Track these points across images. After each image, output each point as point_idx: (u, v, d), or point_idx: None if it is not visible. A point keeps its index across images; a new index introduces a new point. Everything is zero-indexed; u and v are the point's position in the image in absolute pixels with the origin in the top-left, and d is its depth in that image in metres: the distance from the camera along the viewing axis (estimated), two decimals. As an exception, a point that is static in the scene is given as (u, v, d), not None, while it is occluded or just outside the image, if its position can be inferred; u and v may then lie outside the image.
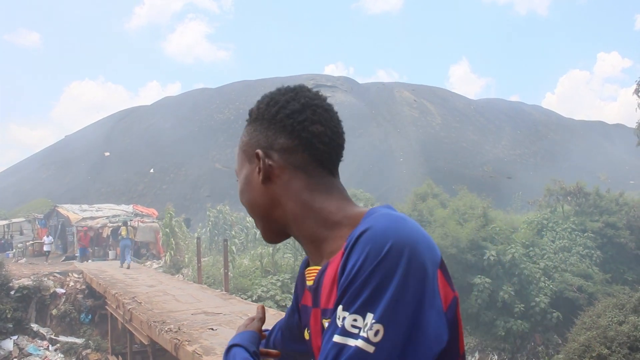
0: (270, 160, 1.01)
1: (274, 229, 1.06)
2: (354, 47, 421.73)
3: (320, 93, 1.07)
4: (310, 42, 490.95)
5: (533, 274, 23.66)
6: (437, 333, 0.84)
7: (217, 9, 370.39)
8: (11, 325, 16.10)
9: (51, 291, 17.47)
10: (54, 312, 16.98)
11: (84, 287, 17.76)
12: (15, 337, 15.92)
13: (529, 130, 76.99)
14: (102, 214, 27.55)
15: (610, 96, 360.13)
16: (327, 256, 0.98)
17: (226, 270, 14.88)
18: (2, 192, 54.20)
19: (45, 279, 17.95)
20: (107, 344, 15.48)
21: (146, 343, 9.80)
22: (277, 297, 18.37)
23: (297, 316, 1.20)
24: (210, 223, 30.20)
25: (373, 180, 52.53)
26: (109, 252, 25.12)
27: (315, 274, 1.00)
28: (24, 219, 31.35)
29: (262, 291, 18.64)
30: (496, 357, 21.52)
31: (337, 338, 0.81)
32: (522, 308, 22.28)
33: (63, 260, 23.72)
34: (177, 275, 19.98)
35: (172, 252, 22.69)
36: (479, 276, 22.83)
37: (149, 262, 23.86)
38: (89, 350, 15.87)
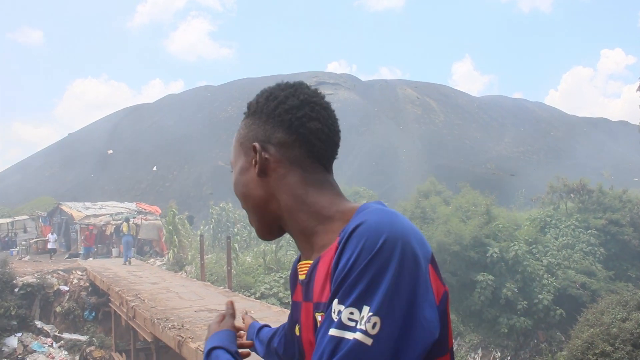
0: (266, 154, 1.02)
1: (267, 222, 1.07)
2: (356, 45, 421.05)
3: (319, 90, 1.09)
4: (313, 40, 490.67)
5: (536, 271, 23.62)
6: (431, 326, 0.85)
7: (220, 7, 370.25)
8: (15, 323, 16.17)
9: (55, 288, 17.53)
10: (58, 309, 17.04)
11: (87, 284, 17.82)
12: (19, 334, 15.99)
13: (532, 128, 76.74)
14: (106, 211, 27.60)
15: (614, 93, 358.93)
16: (318, 250, 1.00)
17: (229, 268, 14.89)
18: (5, 190, 54.29)
19: (49, 276, 18.03)
20: (110, 341, 15.53)
21: (150, 340, 9.83)
22: (280, 295, 18.38)
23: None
24: (213, 220, 30.22)
25: (376, 177, 52.47)
26: (112, 249, 25.17)
27: (307, 268, 1.01)
28: (27, 217, 31.44)
29: (265, 288, 18.66)
30: (499, 354, 21.52)
31: (333, 331, 0.81)
32: (525, 305, 22.25)
33: (67, 258, 23.80)
34: (180, 273, 20.03)
35: (175, 250, 22.74)
36: (482, 273, 22.80)
37: (152, 260, 23.93)
38: (92, 348, 15.93)
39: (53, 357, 15.48)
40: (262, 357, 1.45)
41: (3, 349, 15.36)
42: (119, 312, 12.58)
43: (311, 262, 1.01)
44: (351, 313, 0.81)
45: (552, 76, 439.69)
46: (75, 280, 18.14)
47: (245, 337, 1.48)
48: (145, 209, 29.49)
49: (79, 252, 24.56)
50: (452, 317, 21.51)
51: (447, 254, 22.89)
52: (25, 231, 30.36)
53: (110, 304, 14.34)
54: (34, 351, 15.53)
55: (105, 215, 26.61)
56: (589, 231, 25.84)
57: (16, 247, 26.82)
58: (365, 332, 0.80)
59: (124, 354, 14.06)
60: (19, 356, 15.23)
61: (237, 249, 23.30)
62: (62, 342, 16.20)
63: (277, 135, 1.03)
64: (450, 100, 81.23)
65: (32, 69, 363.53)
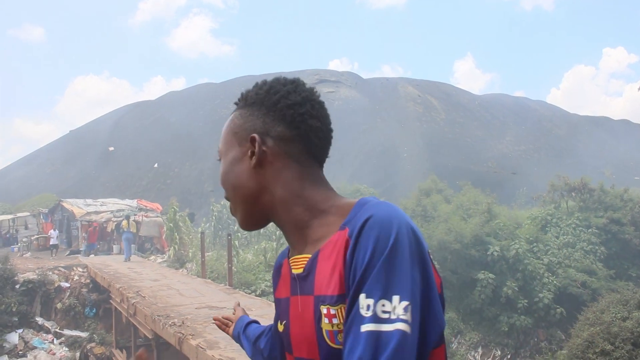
0: (264, 146, 1.02)
1: (255, 214, 1.07)
2: (358, 42, 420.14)
3: (314, 89, 1.10)
4: (314, 37, 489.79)
5: (537, 270, 23.61)
6: (440, 314, 0.88)
7: (222, 4, 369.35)
8: (16, 319, 16.20)
9: (56, 285, 17.56)
10: (59, 305, 17.07)
11: (88, 281, 17.84)
12: (20, 331, 16.02)
13: (534, 126, 76.69)
14: (107, 208, 27.65)
15: (616, 92, 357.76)
16: (312, 243, 1.00)
17: (230, 265, 14.91)
18: (7, 187, 54.36)
19: (50, 273, 18.05)
20: (111, 338, 15.55)
21: (150, 337, 9.84)
22: (281, 292, 18.36)
23: None
24: (214, 218, 30.24)
25: (377, 175, 52.44)
26: (113, 246, 25.20)
27: (302, 262, 1.01)
28: (28, 214, 31.44)
29: (266, 286, 18.67)
30: (499, 352, 21.53)
31: (370, 327, 0.81)
32: (525, 303, 22.25)
33: (67, 255, 23.82)
34: (181, 270, 20.06)
35: (176, 247, 22.76)
36: (483, 271, 22.80)
37: (153, 257, 23.94)
38: (93, 344, 15.95)
39: (54, 354, 15.52)
40: (249, 356, 1.45)
41: (4, 345, 15.39)
42: (120, 309, 12.60)
43: (306, 255, 1.00)
44: (383, 305, 0.82)
45: (554, 74, 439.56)
46: (76, 277, 18.17)
47: (232, 328, 1.54)
48: (146, 206, 29.53)
49: (80, 249, 24.58)
50: (453, 315, 21.55)
51: (447, 252, 22.89)
52: (26, 228, 30.37)
53: (111, 300, 14.37)
54: (35, 347, 15.57)
55: (106, 212, 26.64)
56: (590, 230, 25.81)
57: (17, 244, 26.83)
58: (405, 321, 0.81)
59: (124, 351, 14.08)
60: (20, 352, 15.27)
61: (238, 246, 23.31)
62: (62, 338, 16.24)
63: (277, 128, 1.03)
64: (451, 99, 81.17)
65: (34, 65, 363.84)
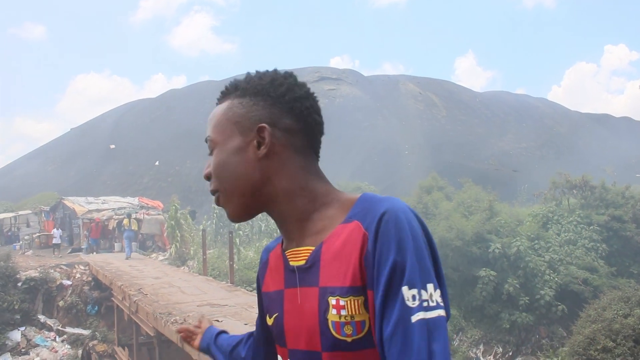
0: (273, 137, 1.02)
1: (251, 205, 1.05)
2: (359, 40, 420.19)
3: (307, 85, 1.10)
4: (315, 35, 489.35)
5: (538, 267, 23.60)
6: (448, 301, 0.93)
7: (223, 2, 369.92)
8: (19, 317, 16.25)
9: (58, 283, 17.60)
10: (61, 303, 17.12)
11: (90, 279, 17.88)
12: (22, 329, 16.08)
13: (535, 123, 76.60)
14: (108, 206, 27.68)
15: (618, 89, 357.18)
16: (311, 235, 1.00)
17: (231, 263, 14.93)
18: (8, 185, 54.42)
19: (52, 270, 18.09)
20: (113, 336, 15.60)
21: (152, 334, 9.87)
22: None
23: None
24: (215, 215, 30.25)
25: (378, 172, 52.43)
26: (115, 244, 25.23)
27: (303, 254, 1.01)
28: (30, 212, 31.50)
29: (267, 283, 18.67)
30: (501, 349, 21.54)
31: (420, 315, 0.85)
32: (527, 301, 22.24)
33: (69, 252, 23.86)
34: (182, 267, 20.07)
35: (177, 245, 22.78)
36: (484, 269, 22.79)
37: (154, 254, 23.97)
38: (95, 342, 16.00)
39: (56, 351, 15.56)
40: None
41: (7, 342, 15.45)
42: (122, 307, 12.62)
43: (307, 248, 1.00)
44: (424, 294, 0.87)
45: (555, 72, 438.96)
46: (77, 275, 18.20)
47: (198, 340, 1.48)
48: (147, 204, 29.57)
49: (82, 247, 24.62)
50: (454, 312, 21.57)
51: (449, 250, 22.88)
52: (28, 226, 30.44)
53: (112, 298, 14.38)
54: (37, 345, 15.62)
55: (108, 210, 26.67)
56: (591, 227, 25.78)
57: (19, 242, 26.90)
58: (442, 307, 0.88)
59: (126, 348, 14.11)
60: (23, 350, 15.33)
61: (239, 243, 23.34)
62: (65, 336, 16.29)
63: (285, 120, 1.03)
64: (452, 96, 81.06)
65: (35, 64, 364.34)
